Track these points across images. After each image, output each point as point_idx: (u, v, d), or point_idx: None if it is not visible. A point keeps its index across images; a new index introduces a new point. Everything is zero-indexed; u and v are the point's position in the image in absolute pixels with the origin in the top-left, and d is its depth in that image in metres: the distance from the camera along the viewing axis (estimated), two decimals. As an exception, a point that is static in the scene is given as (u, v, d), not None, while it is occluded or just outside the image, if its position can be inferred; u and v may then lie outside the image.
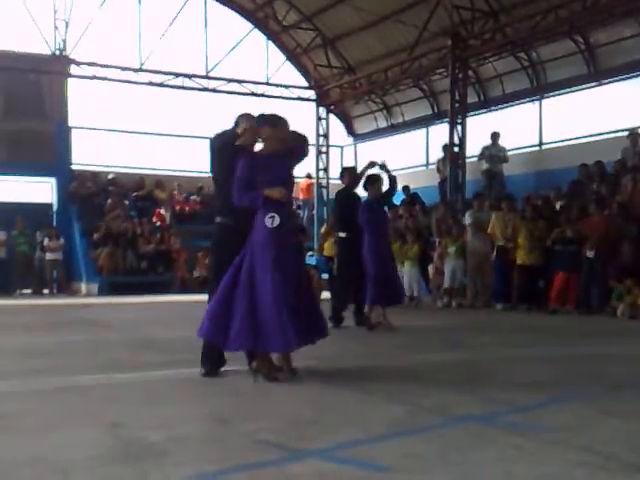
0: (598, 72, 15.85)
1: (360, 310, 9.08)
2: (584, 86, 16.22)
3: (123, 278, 17.78)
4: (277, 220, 4.92)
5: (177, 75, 20.06)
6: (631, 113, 14.56)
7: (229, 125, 5.42)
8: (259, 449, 3.23)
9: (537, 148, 17.18)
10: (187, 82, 20.26)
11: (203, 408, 4.23)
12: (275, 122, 5.12)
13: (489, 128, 16.38)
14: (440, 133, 17.92)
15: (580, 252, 10.91)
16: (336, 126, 22.62)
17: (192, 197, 20.71)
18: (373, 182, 8.99)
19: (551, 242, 11.42)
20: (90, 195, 19.75)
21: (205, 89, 20.43)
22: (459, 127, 16.04)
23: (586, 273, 10.82)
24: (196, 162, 19.73)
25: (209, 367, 5.22)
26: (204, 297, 5.51)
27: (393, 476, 2.85)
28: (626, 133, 13.45)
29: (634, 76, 15.17)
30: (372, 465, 2.96)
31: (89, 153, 20.47)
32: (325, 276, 15.01)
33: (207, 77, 20.39)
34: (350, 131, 23.24)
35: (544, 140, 17.05)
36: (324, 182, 21.09)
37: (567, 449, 3.20)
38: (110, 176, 20.31)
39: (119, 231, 18.58)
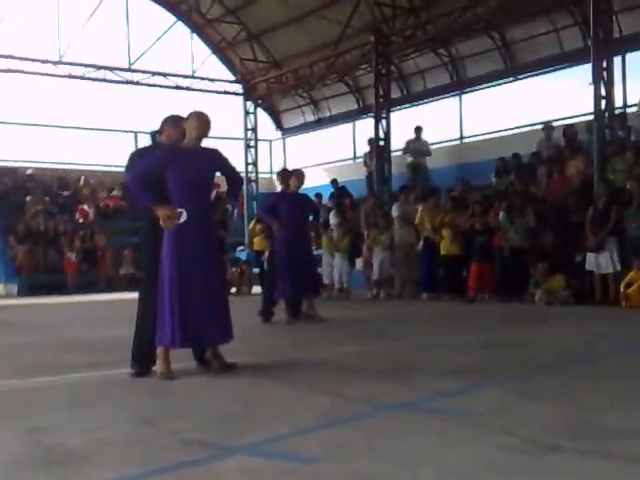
0: (514, 68, 16.39)
1: (295, 304, 9.11)
2: (501, 81, 16.75)
3: (44, 277, 17.23)
4: (184, 216, 4.80)
5: (98, 68, 19.54)
6: (546, 107, 15.16)
7: (154, 119, 5.39)
8: (185, 448, 3.19)
9: (458, 142, 17.64)
10: (109, 75, 19.76)
11: (128, 409, 4.15)
12: (175, 120, 5.08)
13: (413, 122, 16.72)
14: (366, 127, 18.16)
15: (490, 243, 11.30)
16: (264, 120, 22.62)
17: (114, 192, 20.24)
18: (291, 175, 9.05)
19: (463, 234, 11.81)
20: (7, 192, 19.02)
21: (128, 82, 19.99)
22: (384, 122, 16.29)
23: (502, 262, 11.20)
24: (119, 156, 19.31)
25: (139, 367, 5.13)
26: (132, 295, 5.40)
27: (321, 466, 2.89)
28: (541, 126, 13.94)
29: (548, 71, 15.76)
30: (300, 457, 2.99)
31: (6, 148, 19.73)
32: (256, 270, 14.99)
33: (130, 70, 19.95)
34: (278, 125, 23.23)
35: (465, 134, 17.52)
36: (253, 176, 21.02)
37: (489, 433, 3.31)
38: (29, 172, 19.61)
39: (39, 229, 17.99)
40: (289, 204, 8.79)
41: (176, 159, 4.88)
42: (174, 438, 3.36)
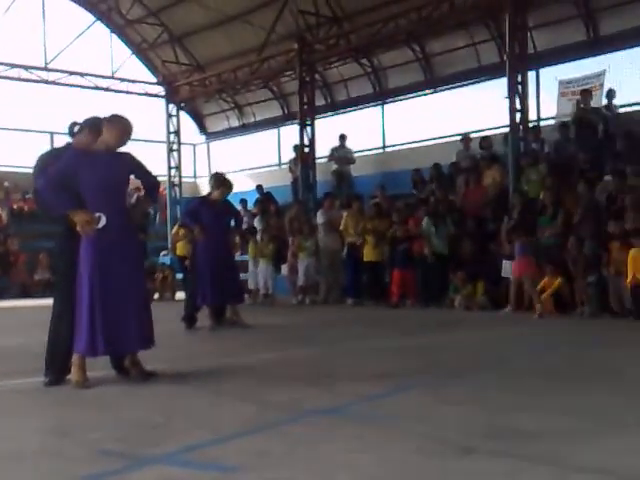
0: (434, 80, 16.80)
1: (218, 310, 9.03)
2: (422, 93, 17.13)
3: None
4: (103, 220, 4.73)
5: (13, 66, 18.83)
6: (464, 118, 15.60)
7: (71, 119, 5.21)
8: (100, 459, 3.10)
9: (381, 150, 17.92)
10: (24, 73, 19.07)
11: (40, 419, 4.01)
12: (94, 124, 4.96)
13: (337, 130, 16.87)
14: (291, 134, 18.20)
15: (410, 250, 11.54)
16: (188, 124, 22.31)
17: (28, 195, 19.47)
18: (224, 182, 8.98)
19: (386, 241, 12.01)
20: None
21: (44, 81, 19.33)
22: (308, 129, 16.38)
23: (423, 269, 11.45)
24: (34, 157, 18.58)
25: (53, 375, 4.96)
26: (47, 302, 5.22)
27: (239, 476, 2.87)
28: (460, 137, 14.34)
29: (466, 84, 16.23)
30: (219, 466, 2.96)
31: None
32: (179, 276, 14.77)
33: (46, 69, 19.30)
34: (202, 129, 22.98)
35: (387, 143, 17.82)
36: (176, 180, 20.69)
37: (406, 437, 3.38)
38: None
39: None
40: (211, 210, 8.71)
41: (88, 163, 4.78)
42: (88, 449, 3.26)
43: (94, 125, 4.96)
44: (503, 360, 5.95)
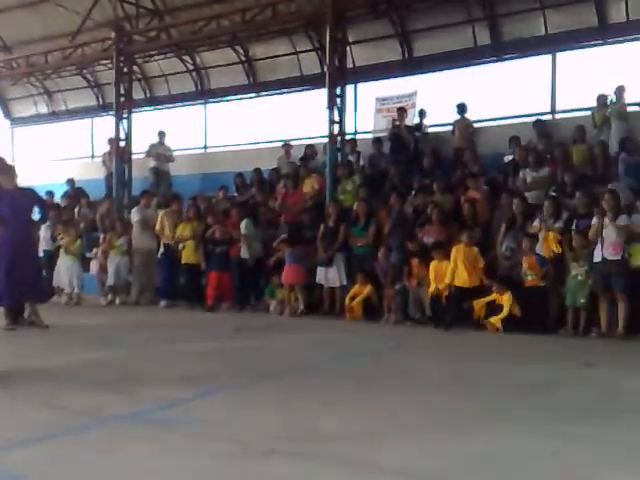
0: (257, 84, 16.90)
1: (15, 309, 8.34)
2: (245, 96, 17.18)
3: None
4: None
5: None
6: (287, 125, 15.85)
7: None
8: None
9: (202, 151, 17.70)
10: None
11: None
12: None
13: (156, 126, 16.37)
14: (106, 126, 17.37)
15: (228, 252, 11.53)
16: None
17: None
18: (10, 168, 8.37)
19: (204, 243, 11.88)
20: None
21: None
22: (125, 122, 15.73)
23: (240, 272, 11.44)
24: None
25: None
26: None
27: (26, 486, 2.64)
28: (281, 144, 14.55)
29: (288, 92, 16.53)
30: (3, 474, 2.72)
31: None
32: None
33: None
34: (7, 114, 21.27)
35: (209, 144, 17.64)
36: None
37: (209, 441, 3.32)
38: None
39: None
40: (12, 200, 8.03)
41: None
42: None
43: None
44: (310, 364, 6.08)
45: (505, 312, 8.57)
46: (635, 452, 3.35)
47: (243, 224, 11.52)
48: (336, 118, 12.68)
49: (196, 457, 3.03)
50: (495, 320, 8.61)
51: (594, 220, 8.29)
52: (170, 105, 18.31)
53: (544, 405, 4.45)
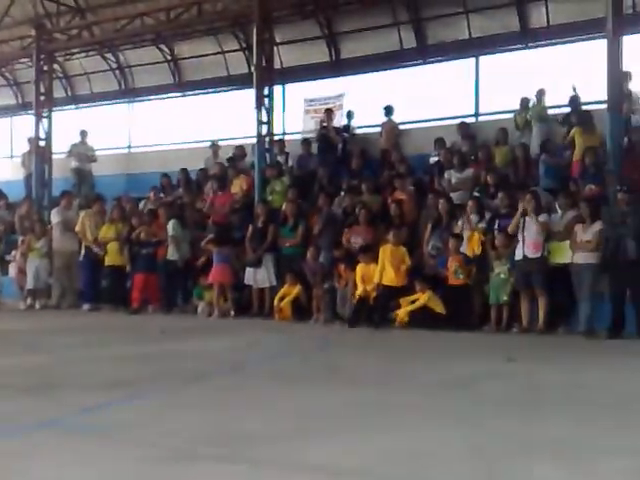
0: (182, 84, 16.67)
1: None
2: (170, 95, 16.90)
3: None
4: None
5: None
6: (214, 126, 15.66)
7: None
8: None
9: (127, 151, 17.31)
10: None
11: None
12: None
13: (78, 125, 15.90)
14: (26, 125, 16.76)
15: (154, 254, 11.31)
16: None
17: None
18: None
19: (129, 244, 11.61)
20: None
21: None
22: (45, 121, 15.24)
23: (167, 273, 11.24)
24: None
25: None
26: None
27: None
28: (209, 144, 14.37)
29: (215, 92, 16.35)
30: None
31: None
32: None
33: None
34: None
35: (134, 144, 17.26)
36: None
37: (133, 446, 3.23)
38: None
39: None
40: None
41: None
42: None
43: None
44: (238, 366, 6.01)
45: (414, 307, 8.73)
46: (556, 443, 3.44)
47: (170, 225, 11.32)
48: (264, 118, 12.63)
49: (118, 463, 2.94)
50: (402, 312, 8.76)
51: (516, 215, 8.55)
52: (92, 104, 17.83)
53: (468, 399, 4.54)
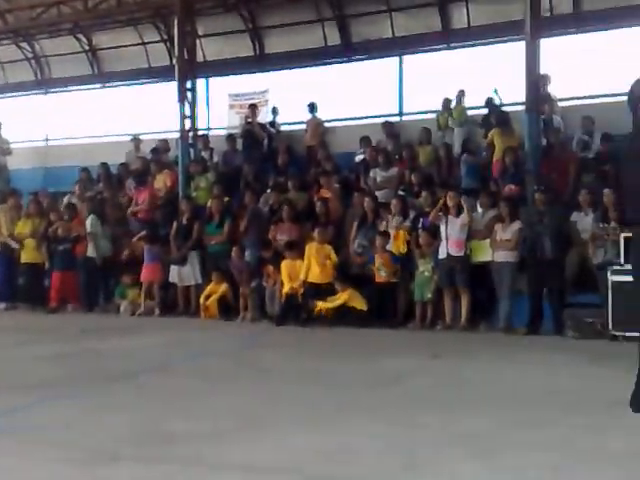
0: (102, 75, 16.16)
1: None
2: (89, 87, 16.38)
3: None
4: None
5: None
6: (135, 119, 15.25)
7: None
8: None
9: (44, 143, 16.68)
10: None
11: None
12: None
13: (-9, 117, 15.21)
14: None
15: (73, 251, 10.98)
16: None
17: None
18: None
19: (47, 241, 11.24)
20: None
21: None
22: (-45, 111, 14.51)
23: (87, 271, 10.92)
24: None
25: None
26: None
27: None
28: (130, 138, 14.00)
29: (136, 84, 15.94)
30: None
31: None
32: None
33: None
34: None
35: (51, 136, 16.65)
36: None
37: (52, 448, 3.15)
38: None
39: None
40: None
41: None
42: None
43: None
44: (162, 365, 5.93)
45: (333, 305, 8.84)
46: (474, 437, 3.55)
47: (89, 221, 11.00)
48: (187, 113, 12.40)
49: (33, 465, 2.84)
50: (322, 305, 8.85)
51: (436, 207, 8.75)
52: (6, 94, 17.08)
53: (394, 396, 4.62)
